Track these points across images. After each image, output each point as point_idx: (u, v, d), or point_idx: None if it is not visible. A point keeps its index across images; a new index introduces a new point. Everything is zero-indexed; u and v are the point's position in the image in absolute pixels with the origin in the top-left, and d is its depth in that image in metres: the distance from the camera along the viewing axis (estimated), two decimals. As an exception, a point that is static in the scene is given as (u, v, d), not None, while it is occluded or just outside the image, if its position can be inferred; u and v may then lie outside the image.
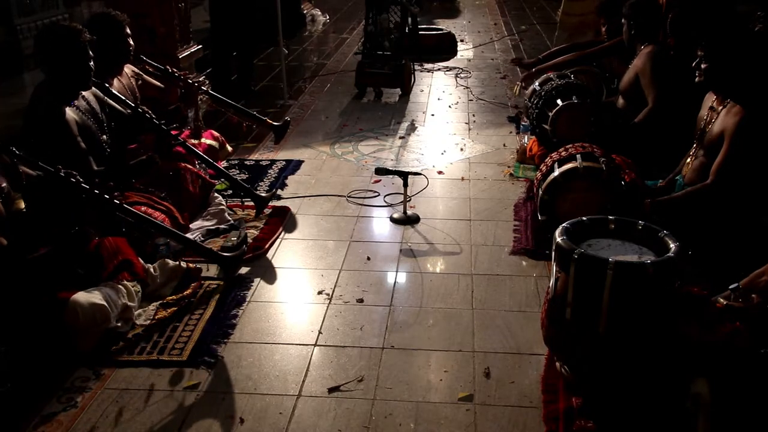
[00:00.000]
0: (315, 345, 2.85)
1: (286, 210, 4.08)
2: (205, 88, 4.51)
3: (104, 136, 3.55)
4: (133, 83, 4.13)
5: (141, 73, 4.24)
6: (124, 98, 3.82)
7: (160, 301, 3.10)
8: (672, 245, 2.34)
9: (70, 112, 3.34)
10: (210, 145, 4.46)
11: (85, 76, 3.38)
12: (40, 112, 3.27)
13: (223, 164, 4.71)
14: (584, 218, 2.55)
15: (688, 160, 3.25)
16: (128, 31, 3.91)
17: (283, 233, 3.84)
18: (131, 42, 3.93)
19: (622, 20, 4.17)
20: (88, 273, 2.96)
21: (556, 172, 3.45)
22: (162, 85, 4.34)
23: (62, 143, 3.25)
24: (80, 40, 3.30)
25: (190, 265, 3.33)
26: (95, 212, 3.04)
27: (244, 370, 2.70)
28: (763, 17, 3.32)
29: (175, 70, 4.31)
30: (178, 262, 3.29)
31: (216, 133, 4.65)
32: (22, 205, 3.21)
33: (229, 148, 4.76)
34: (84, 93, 3.49)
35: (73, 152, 3.28)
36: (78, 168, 3.07)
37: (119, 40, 3.83)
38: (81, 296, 2.73)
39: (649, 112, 3.86)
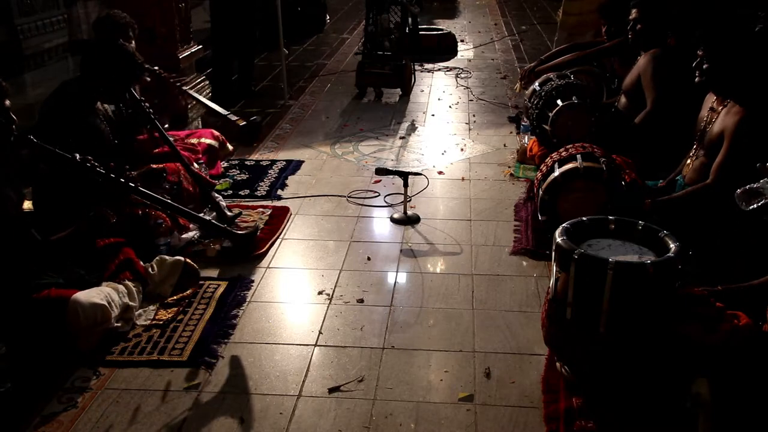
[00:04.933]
0: (315, 345, 2.86)
1: (286, 210, 4.08)
2: (173, 81, 4.48)
3: (116, 141, 3.58)
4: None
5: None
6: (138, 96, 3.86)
7: (161, 302, 3.11)
8: (672, 245, 2.34)
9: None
10: (210, 145, 4.46)
11: (124, 92, 3.59)
12: (70, 104, 3.37)
13: (223, 164, 4.72)
14: (584, 218, 2.55)
15: (689, 160, 3.25)
16: (132, 33, 3.92)
17: (283, 233, 3.84)
18: (134, 44, 3.94)
19: (631, 15, 4.13)
20: (90, 273, 2.97)
21: (557, 173, 3.45)
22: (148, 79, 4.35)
23: (86, 134, 3.35)
24: (138, 63, 3.49)
25: (188, 260, 3.33)
26: (112, 196, 3.13)
27: (244, 370, 2.70)
28: (763, 17, 3.31)
29: (149, 65, 4.29)
30: (175, 258, 3.28)
31: (216, 132, 4.64)
32: (28, 204, 3.25)
33: (230, 147, 4.75)
34: None
35: (96, 143, 3.39)
36: (101, 156, 3.20)
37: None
38: (82, 296, 2.74)
39: (647, 114, 3.86)
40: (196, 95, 4.64)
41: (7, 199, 2.79)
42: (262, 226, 3.85)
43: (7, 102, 2.78)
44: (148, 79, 4.30)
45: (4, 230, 2.75)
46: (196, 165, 4.04)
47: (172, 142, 3.84)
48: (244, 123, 4.70)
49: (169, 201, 3.40)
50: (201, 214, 3.76)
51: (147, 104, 3.78)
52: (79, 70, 3.50)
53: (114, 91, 3.48)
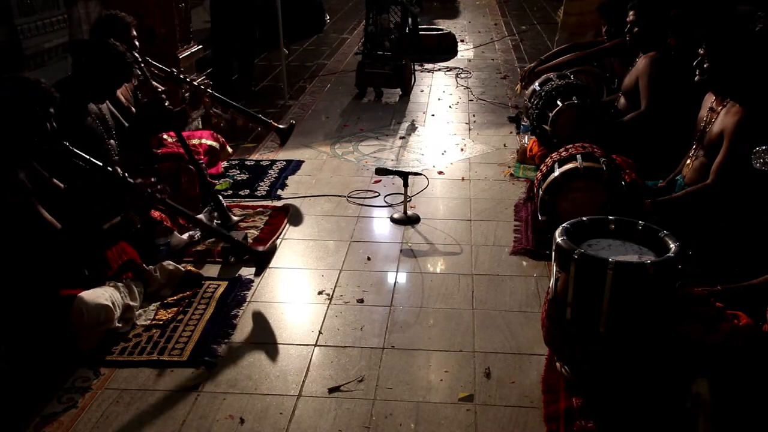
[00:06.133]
0: (315, 345, 2.86)
1: (286, 210, 4.08)
2: (210, 91, 4.50)
3: (112, 141, 3.57)
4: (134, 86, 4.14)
5: (146, 75, 4.23)
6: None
7: (161, 302, 3.11)
8: (672, 245, 2.34)
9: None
10: (210, 146, 4.45)
11: (114, 92, 3.57)
12: (62, 104, 3.32)
13: (223, 164, 4.72)
14: (584, 218, 2.55)
15: (688, 160, 3.24)
16: (134, 33, 3.91)
17: (283, 233, 3.84)
18: (137, 44, 3.94)
19: (628, 18, 4.14)
20: (92, 272, 2.96)
21: (557, 173, 3.45)
22: (164, 89, 4.34)
23: (80, 134, 3.32)
24: (128, 63, 3.49)
25: (189, 267, 3.34)
26: (139, 206, 3.11)
27: (244, 370, 2.70)
28: (763, 17, 3.31)
29: (181, 72, 4.31)
30: (177, 266, 3.28)
31: (216, 134, 4.64)
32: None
33: (230, 150, 4.76)
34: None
35: (93, 143, 3.36)
36: (96, 156, 3.15)
37: (125, 43, 3.83)
38: (86, 296, 2.74)
39: (639, 115, 3.86)
40: (226, 99, 4.66)
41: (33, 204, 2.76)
42: (262, 225, 3.85)
43: (52, 109, 2.79)
44: (163, 88, 4.31)
45: (35, 236, 2.73)
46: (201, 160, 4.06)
47: (185, 143, 3.87)
48: (282, 127, 4.72)
49: (183, 210, 3.32)
50: (203, 211, 3.78)
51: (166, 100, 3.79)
52: (71, 70, 3.49)
53: (104, 91, 3.47)
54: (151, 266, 3.21)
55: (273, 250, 3.46)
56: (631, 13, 4.06)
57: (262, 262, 3.37)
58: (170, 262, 3.28)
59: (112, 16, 3.94)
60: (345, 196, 4.33)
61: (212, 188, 4.01)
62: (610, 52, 4.78)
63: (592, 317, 2.32)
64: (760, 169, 2.32)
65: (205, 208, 3.92)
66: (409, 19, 6.79)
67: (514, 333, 2.91)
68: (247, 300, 3.18)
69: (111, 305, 2.78)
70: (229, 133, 5.08)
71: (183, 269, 3.28)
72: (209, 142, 4.46)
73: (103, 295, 2.80)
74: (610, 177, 3.30)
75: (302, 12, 9.57)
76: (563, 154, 3.57)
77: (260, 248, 3.45)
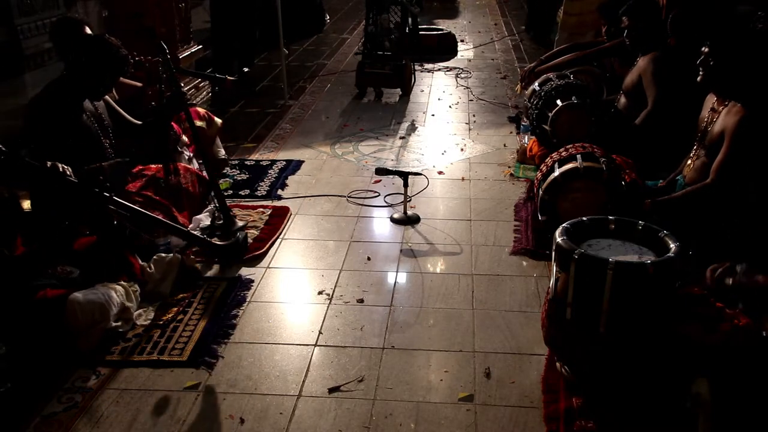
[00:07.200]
0: (315, 345, 2.85)
1: (286, 210, 4.08)
2: (175, 68, 4.45)
3: (107, 141, 3.57)
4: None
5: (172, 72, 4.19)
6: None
7: (160, 302, 3.11)
8: (672, 245, 2.34)
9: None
10: (198, 127, 4.36)
11: (110, 88, 3.62)
12: (56, 102, 3.34)
13: (222, 156, 4.68)
14: (584, 218, 2.55)
15: (689, 160, 3.25)
16: (88, 31, 3.90)
17: (283, 233, 3.84)
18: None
19: (623, 24, 4.15)
20: (85, 274, 2.96)
21: (557, 173, 3.45)
22: (140, 84, 4.33)
23: (77, 133, 3.34)
24: (124, 57, 3.49)
25: (185, 257, 3.33)
26: (87, 206, 3.08)
27: (244, 370, 2.70)
28: (763, 17, 3.31)
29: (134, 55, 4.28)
30: (172, 255, 3.27)
31: (201, 111, 4.52)
32: (27, 204, 3.23)
33: (219, 121, 4.62)
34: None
35: (86, 139, 3.39)
36: (92, 155, 3.23)
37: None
38: (78, 295, 2.75)
39: (647, 114, 3.86)
40: (185, 69, 4.58)
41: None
42: (262, 225, 3.85)
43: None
44: (139, 84, 4.30)
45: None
46: (187, 153, 4.04)
47: (196, 134, 3.85)
48: (234, 78, 4.63)
49: (147, 213, 3.25)
50: (205, 211, 3.77)
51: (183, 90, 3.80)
52: (65, 70, 3.48)
53: (100, 87, 3.46)
54: (146, 263, 3.20)
55: (236, 243, 3.46)
56: (624, 18, 4.08)
57: (224, 256, 3.39)
58: (162, 254, 3.26)
59: (67, 18, 3.96)
60: (345, 196, 4.33)
61: (216, 188, 4.01)
62: (610, 52, 4.78)
63: (592, 317, 2.32)
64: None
65: (207, 207, 3.92)
66: (409, 19, 6.79)
67: (514, 333, 2.91)
68: (247, 300, 3.18)
69: (105, 303, 2.78)
70: (230, 132, 5.07)
71: (178, 256, 3.26)
72: (197, 123, 4.35)
73: (95, 293, 2.80)
74: (610, 177, 3.30)
75: (302, 12, 9.58)
76: (563, 154, 3.57)
77: (218, 243, 3.44)
